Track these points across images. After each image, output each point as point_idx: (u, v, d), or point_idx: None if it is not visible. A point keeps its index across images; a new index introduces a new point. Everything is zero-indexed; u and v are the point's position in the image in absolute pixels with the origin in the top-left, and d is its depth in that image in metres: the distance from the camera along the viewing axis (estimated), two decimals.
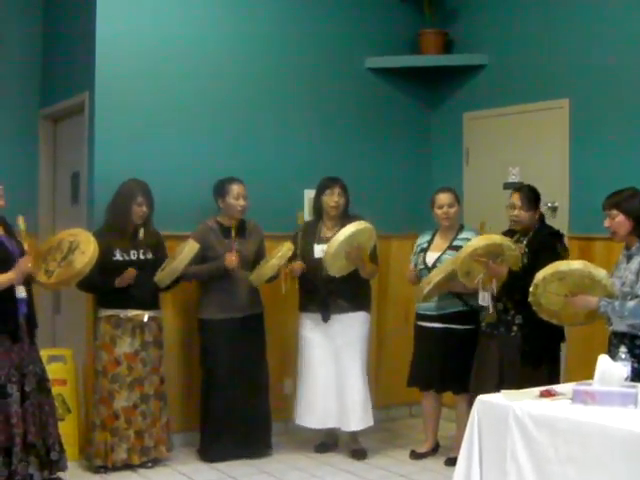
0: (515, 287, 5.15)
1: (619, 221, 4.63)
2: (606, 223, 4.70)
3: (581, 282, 4.64)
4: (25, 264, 4.84)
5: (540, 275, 4.72)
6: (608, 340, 4.74)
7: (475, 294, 5.43)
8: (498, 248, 5.18)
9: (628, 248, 4.68)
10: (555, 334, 5.27)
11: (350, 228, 5.69)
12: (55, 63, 6.79)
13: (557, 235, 5.42)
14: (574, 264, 4.74)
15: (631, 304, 4.43)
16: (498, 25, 6.86)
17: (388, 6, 7.18)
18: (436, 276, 5.59)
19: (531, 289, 4.77)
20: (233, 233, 5.84)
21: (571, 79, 6.25)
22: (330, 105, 6.90)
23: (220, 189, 5.95)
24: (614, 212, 4.64)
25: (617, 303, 4.48)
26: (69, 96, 6.44)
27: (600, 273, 4.63)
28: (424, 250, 5.92)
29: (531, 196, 5.39)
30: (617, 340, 4.59)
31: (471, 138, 7.06)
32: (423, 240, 6.00)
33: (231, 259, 5.78)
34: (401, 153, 7.23)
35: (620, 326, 4.55)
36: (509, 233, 5.43)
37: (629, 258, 4.64)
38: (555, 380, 4.96)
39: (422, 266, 5.86)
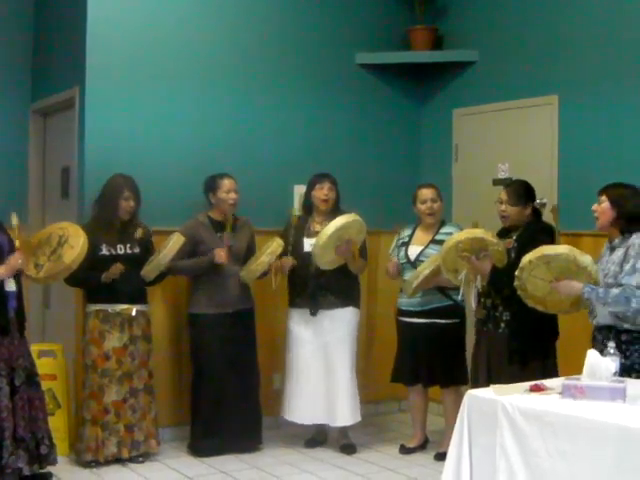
0: (502, 282, 5.13)
1: (603, 207, 4.66)
2: (593, 207, 4.74)
3: (566, 268, 4.66)
4: (15, 261, 4.84)
5: (526, 259, 4.72)
6: (592, 335, 4.77)
7: (459, 288, 5.44)
8: (481, 243, 5.16)
9: (611, 241, 4.72)
10: (545, 330, 5.24)
11: (340, 220, 5.70)
12: (46, 58, 6.78)
13: (548, 230, 5.35)
14: (560, 248, 4.76)
15: (615, 291, 4.46)
16: (488, 21, 6.87)
17: (378, 2, 7.19)
18: (424, 270, 5.60)
19: (517, 273, 4.76)
20: (228, 228, 5.85)
21: (560, 76, 6.27)
22: (320, 101, 6.91)
23: (211, 184, 5.96)
24: (602, 197, 4.68)
25: (601, 290, 4.52)
26: (59, 91, 6.43)
27: (586, 259, 4.66)
28: (405, 244, 5.91)
29: (519, 191, 5.35)
30: (602, 335, 4.63)
31: (460, 134, 7.08)
32: (404, 234, 5.98)
33: (220, 254, 5.78)
34: (391, 149, 7.25)
35: (604, 318, 4.59)
36: (504, 232, 5.41)
37: (612, 250, 4.67)
38: (551, 376, 4.89)
39: (404, 260, 5.86)
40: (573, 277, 4.65)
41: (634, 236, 4.57)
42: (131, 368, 5.65)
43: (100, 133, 6.01)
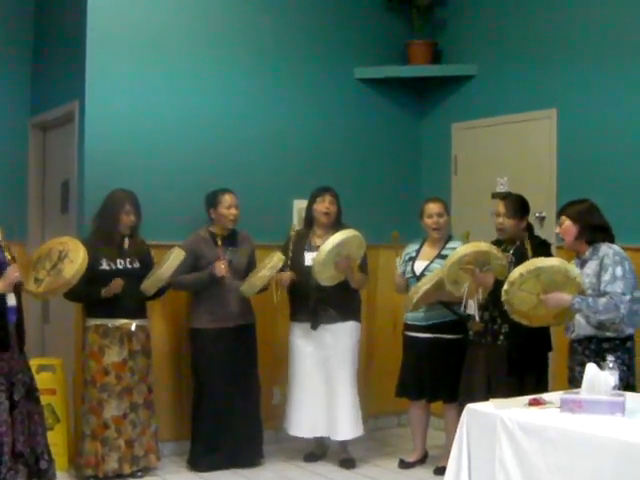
0: (501, 296, 5.14)
1: (566, 226, 4.83)
2: (556, 229, 4.93)
3: (554, 280, 4.67)
4: (13, 273, 4.82)
5: (517, 272, 4.72)
6: (570, 348, 4.83)
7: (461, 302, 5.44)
8: (485, 256, 5.19)
9: (579, 256, 4.84)
10: (542, 343, 5.29)
11: (339, 236, 5.70)
12: (45, 72, 6.79)
13: (545, 245, 5.44)
14: (550, 260, 4.79)
15: (603, 300, 4.55)
16: (486, 36, 6.90)
17: (377, 16, 7.21)
18: (424, 285, 5.59)
19: (505, 287, 4.76)
20: (219, 242, 5.85)
21: (559, 89, 6.29)
22: (319, 115, 6.93)
23: (212, 199, 5.97)
24: (562, 218, 4.86)
25: (590, 300, 4.58)
26: (59, 105, 6.44)
27: (575, 270, 4.70)
28: (412, 259, 5.92)
29: (516, 205, 5.40)
30: (582, 346, 4.72)
31: (459, 148, 7.09)
32: (411, 249, 6.00)
33: (220, 267, 5.78)
34: (390, 163, 7.26)
35: (583, 329, 4.67)
36: (496, 243, 5.44)
37: (583, 264, 4.78)
38: (543, 389, 4.97)
39: (410, 275, 5.87)
40: (560, 288, 4.68)
41: (604, 247, 4.72)
42: (131, 383, 5.64)
43: (100, 147, 6.01)
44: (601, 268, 4.64)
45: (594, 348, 4.63)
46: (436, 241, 5.90)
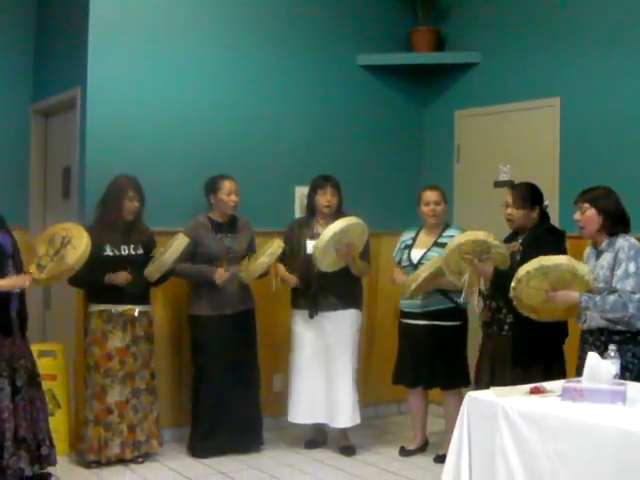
0: (504, 285, 5.08)
1: (589, 215, 4.68)
2: (576, 216, 4.75)
3: (562, 277, 4.65)
4: (23, 281, 4.83)
5: (523, 270, 4.69)
6: (581, 338, 4.79)
7: (461, 290, 5.41)
8: (484, 245, 5.14)
9: (595, 246, 4.75)
10: (549, 333, 5.13)
11: (341, 223, 5.69)
12: (47, 58, 6.78)
13: (555, 232, 5.33)
14: (558, 259, 4.72)
15: (612, 298, 4.49)
16: (490, 23, 6.88)
17: (380, 4, 7.20)
18: (423, 272, 5.58)
19: (513, 284, 4.72)
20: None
21: (562, 78, 6.28)
22: (322, 102, 6.92)
23: (212, 185, 5.96)
24: (586, 205, 4.70)
25: (598, 298, 4.53)
26: (61, 91, 6.43)
27: (583, 268, 4.65)
28: (408, 247, 5.90)
29: (525, 194, 5.29)
30: (593, 337, 4.66)
31: (462, 136, 7.08)
32: (407, 237, 5.97)
33: (221, 275, 5.78)
34: (392, 150, 7.25)
35: (596, 321, 4.61)
36: (512, 235, 5.39)
37: (598, 255, 4.70)
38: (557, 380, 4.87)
39: (407, 263, 5.85)
40: (568, 286, 4.65)
41: (620, 239, 4.61)
42: (133, 368, 5.65)
43: (101, 133, 6.01)
44: (615, 262, 4.56)
45: (604, 340, 4.57)
46: (433, 228, 5.88)
